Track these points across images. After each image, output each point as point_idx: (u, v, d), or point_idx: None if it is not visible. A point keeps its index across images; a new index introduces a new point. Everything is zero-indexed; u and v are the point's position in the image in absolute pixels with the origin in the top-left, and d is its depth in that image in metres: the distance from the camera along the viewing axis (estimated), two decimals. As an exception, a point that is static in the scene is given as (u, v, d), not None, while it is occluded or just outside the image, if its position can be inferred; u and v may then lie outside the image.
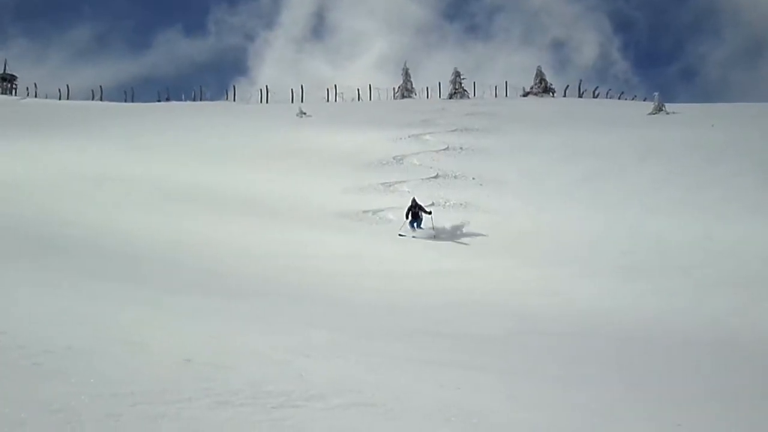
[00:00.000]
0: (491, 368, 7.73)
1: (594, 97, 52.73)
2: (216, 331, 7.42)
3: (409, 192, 22.91)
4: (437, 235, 19.15)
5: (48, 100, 49.74)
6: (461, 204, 22.05)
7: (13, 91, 53.15)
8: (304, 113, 40.42)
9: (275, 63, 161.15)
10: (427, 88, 53.56)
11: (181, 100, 53.44)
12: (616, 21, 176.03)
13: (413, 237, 19.06)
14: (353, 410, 5.10)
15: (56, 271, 9.78)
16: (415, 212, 19.66)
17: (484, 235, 18.88)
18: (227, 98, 54.56)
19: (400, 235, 19.09)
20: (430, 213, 19.80)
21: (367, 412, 5.15)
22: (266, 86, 54.58)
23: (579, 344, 10.12)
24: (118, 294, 8.85)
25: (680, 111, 39.05)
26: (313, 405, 5.02)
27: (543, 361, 8.69)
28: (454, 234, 19.25)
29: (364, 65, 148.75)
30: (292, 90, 53.05)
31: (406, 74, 54.56)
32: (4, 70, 55.08)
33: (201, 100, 53.59)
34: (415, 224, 19.52)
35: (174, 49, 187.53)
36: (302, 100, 48.60)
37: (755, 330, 11.66)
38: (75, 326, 6.53)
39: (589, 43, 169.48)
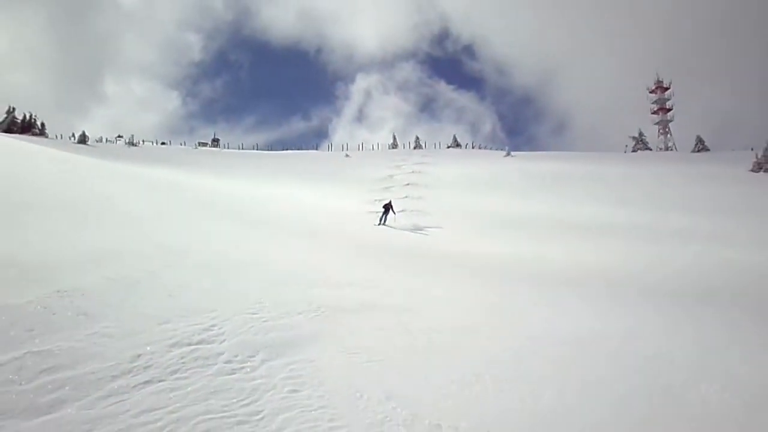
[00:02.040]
0: (446, 275, 7.41)
1: (473, 148, 51.96)
2: (308, 256, 7.61)
3: (394, 192, 22.78)
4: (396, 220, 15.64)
5: (232, 150, 50.51)
6: (419, 197, 21.94)
7: (218, 147, 54.53)
8: (348, 156, 40.48)
9: (340, 130, 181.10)
10: (404, 144, 53.10)
11: (292, 149, 53.11)
12: (498, 114, 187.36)
13: (377, 225, 14.69)
14: (365, 290, 5.47)
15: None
16: (386, 210, 15.74)
17: (430, 212, 18.65)
18: (311, 149, 53.96)
19: (376, 225, 14.89)
20: (395, 213, 15.88)
21: (372, 290, 5.56)
22: (331, 143, 54.16)
23: (500, 271, 8.28)
24: (259, 235, 8.77)
25: (519, 156, 38.69)
26: (349, 288, 5.45)
27: (480, 274, 7.62)
28: (413, 216, 17.25)
29: (384, 131, 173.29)
30: (342, 145, 52.92)
31: (394, 138, 54.29)
32: (214, 136, 57.17)
33: (300, 149, 53.24)
34: (383, 218, 15.42)
35: (293, 125, 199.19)
36: (347, 149, 48.61)
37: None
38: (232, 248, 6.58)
39: (486, 123, 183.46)
